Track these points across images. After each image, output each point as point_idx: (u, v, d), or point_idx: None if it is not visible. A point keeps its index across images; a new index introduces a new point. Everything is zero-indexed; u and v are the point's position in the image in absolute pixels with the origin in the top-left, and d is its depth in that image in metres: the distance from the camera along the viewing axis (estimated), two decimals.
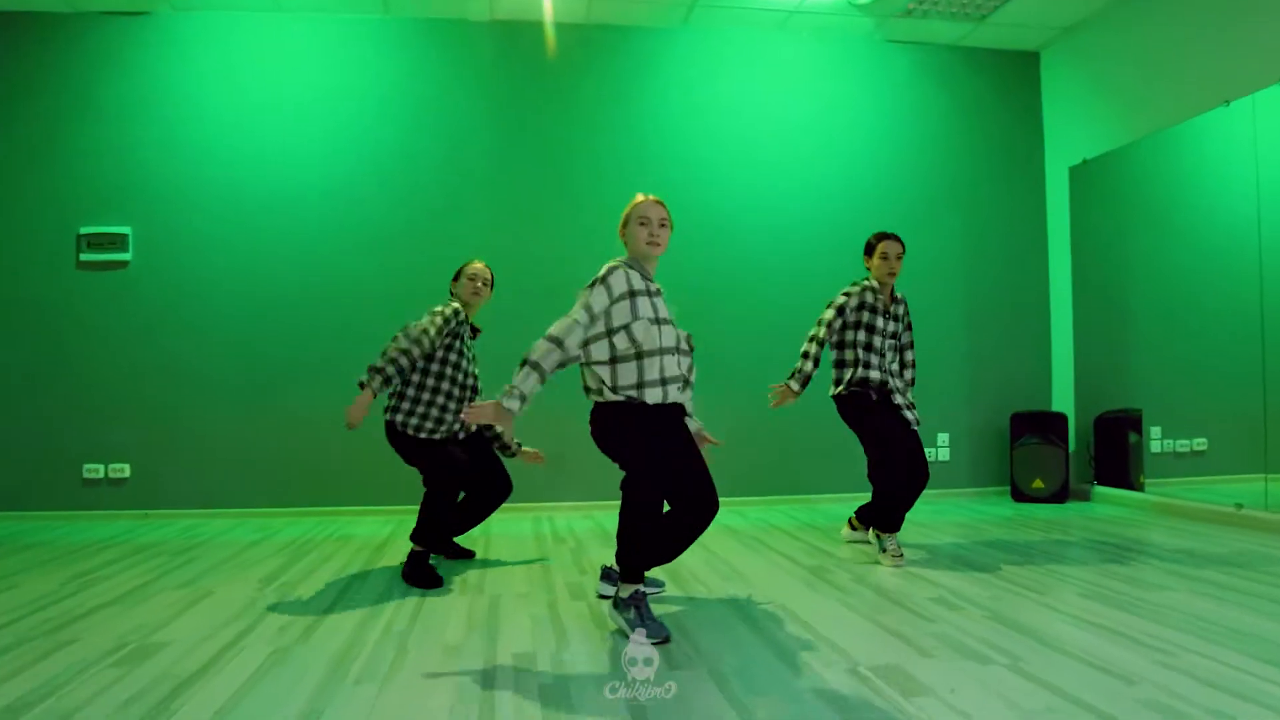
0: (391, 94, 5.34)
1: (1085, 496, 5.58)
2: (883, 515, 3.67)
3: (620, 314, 2.65)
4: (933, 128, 5.82)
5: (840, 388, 3.73)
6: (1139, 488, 5.29)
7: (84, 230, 5.08)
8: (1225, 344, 4.80)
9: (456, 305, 3.48)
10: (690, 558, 3.77)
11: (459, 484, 3.48)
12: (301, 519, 4.98)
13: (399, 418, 3.44)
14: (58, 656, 2.40)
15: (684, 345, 2.82)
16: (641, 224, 2.76)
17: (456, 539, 3.89)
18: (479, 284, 3.61)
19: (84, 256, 5.07)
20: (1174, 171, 5.20)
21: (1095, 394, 5.66)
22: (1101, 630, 2.58)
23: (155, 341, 5.10)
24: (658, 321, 2.69)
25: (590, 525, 4.75)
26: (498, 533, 4.49)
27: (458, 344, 3.50)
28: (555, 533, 4.51)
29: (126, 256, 5.10)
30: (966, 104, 5.88)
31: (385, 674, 2.25)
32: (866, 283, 3.75)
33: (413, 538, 3.41)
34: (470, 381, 3.57)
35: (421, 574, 3.31)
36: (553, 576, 3.45)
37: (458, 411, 3.48)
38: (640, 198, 2.81)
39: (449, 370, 3.47)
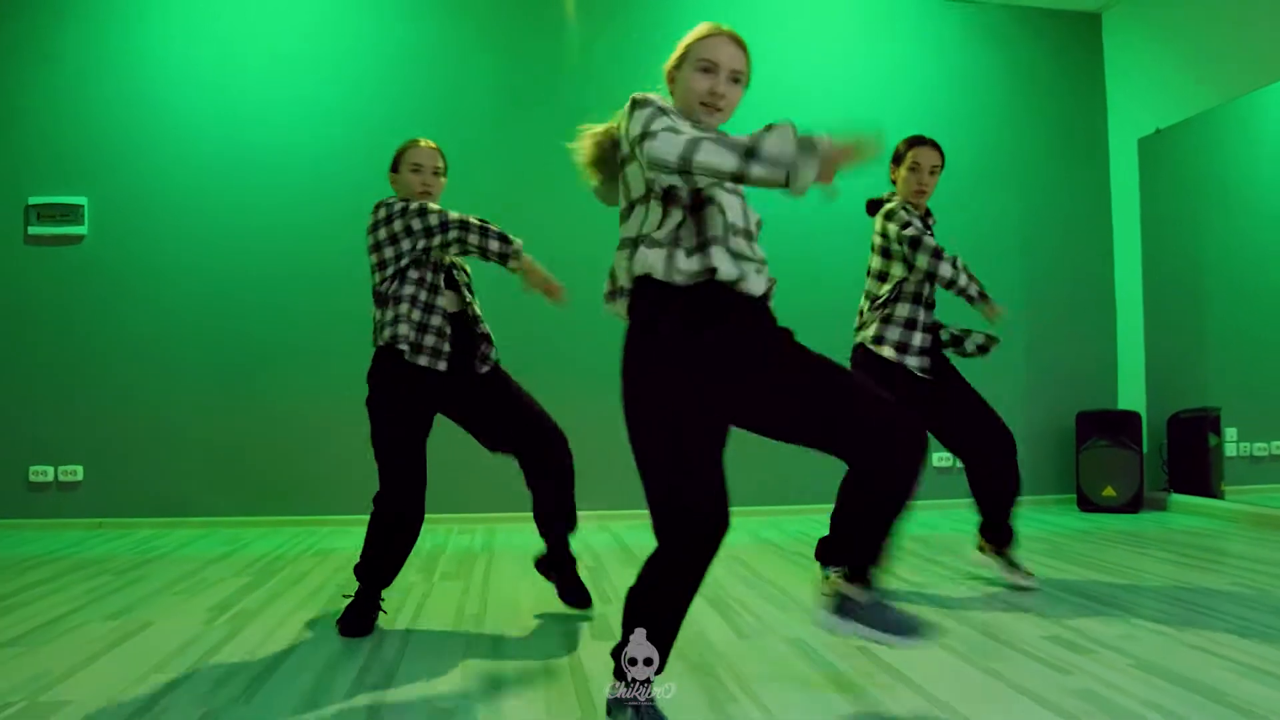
0: (381, 49, 4.75)
1: (1161, 505, 4.97)
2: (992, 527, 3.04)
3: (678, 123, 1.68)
4: (985, 94, 5.24)
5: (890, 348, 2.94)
6: (1219, 495, 4.71)
7: (33, 201, 4.48)
8: None
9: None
10: (729, 577, 3.16)
11: (405, 501, 2.53)
12: (278, 529, 4.38)
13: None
14: None
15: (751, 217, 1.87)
16: (704, 70, 1.77)
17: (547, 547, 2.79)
18: (425, 175, 2.69)
19: (33, 230, 4.47)
20: (1253, 143, 4.65)
21: (1168, 391, 5.07)
22: (1272, 678, 1.98)
23: (114, 325, 4.50)
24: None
25: (607, 539, 4.14)
26: (501, 545, 3.89)
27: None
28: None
29: (81, 230, 4.50)
30: (1021, 68, 5.28)
31: None
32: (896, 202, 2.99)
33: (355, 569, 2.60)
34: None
35: (351, 617, 2.51)
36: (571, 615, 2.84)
37: (448, 335, 2.61)
38: (707, 28, 1.81)
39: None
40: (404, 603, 2.87)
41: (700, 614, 2.66)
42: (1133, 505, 4.84)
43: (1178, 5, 4.82)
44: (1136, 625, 2.51)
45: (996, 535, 3.03)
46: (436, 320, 2.58)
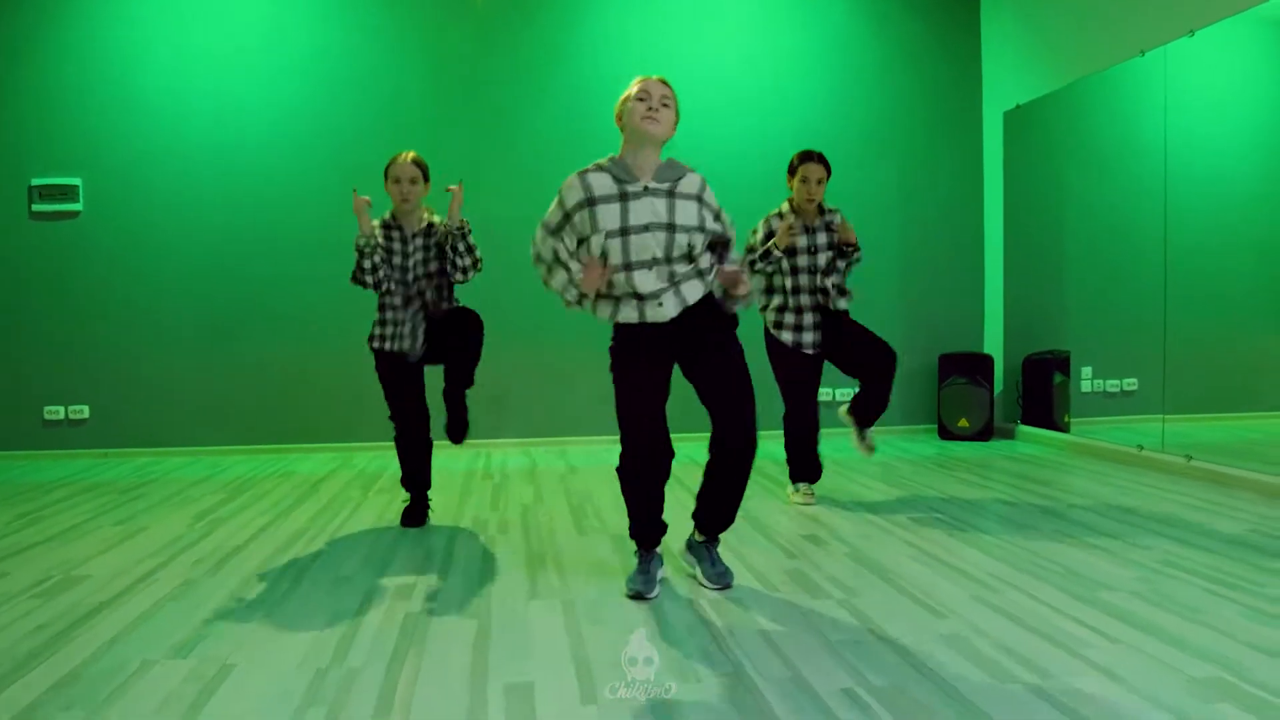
0: (333, 41, 5.41)
1: (1010, 435, 5.82)
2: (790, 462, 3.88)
3: (581, 226, 2.46)
4: (869, 72, 5.88)
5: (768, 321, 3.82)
6: (1064, 428, 5.50)
7: (35, 182, 5.21)
8: (1154, 285, 4.89)
9: (370, 229, 3.25)
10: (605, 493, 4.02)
11: (400, 421, 3.46)
12: (252, 456, 5.24)
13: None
14: None
15: (675, 251, 2.45)
16: (639, 99, 2.45)
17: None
18: (404, 185, 3.28)
19: (36, 207, 5.21)
20: (1100, 116, 5.28)
21: (1025, 336, 5.84)
22: (940, 565, 2.83)
23: (111, 288, 5.28)
24: (621, 232, 2.40)
25: (526, 463, 4.99)
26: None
27: (388, 260, 3.32)
28: (498, 469, 4.76)
29: (78, 207, 5.24)
30: (905, 48, 5.92)
31: (275, 602, 2.50)
32: (777, 211, 3.76)
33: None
34: (415, 277, 3.35)
35: (409, 511, 3.51)
36: (470, 510, 3.70)
37: (404, 322, 3.35)
38: (640, 79, 2.53)
39: (387, 283, 3.34)
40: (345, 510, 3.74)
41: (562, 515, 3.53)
42: (983, 434, 5.69)
43: None
44: (878, 527, 3.37)
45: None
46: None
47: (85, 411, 5.29)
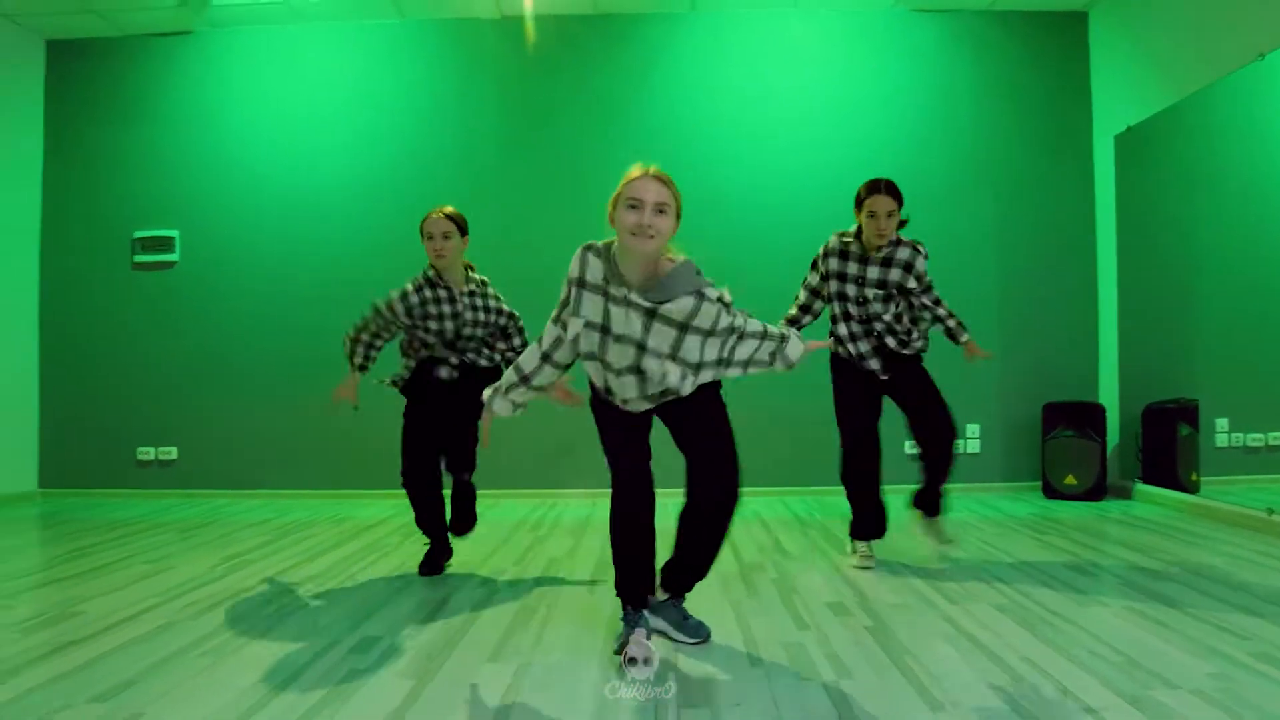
0: (408, 95, 5.55)
1: (1126, 494, 5.15)
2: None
3: (572, 300, 2.30)
4: (964, 100, 5.48)
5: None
6: (1190, 486, 4.83)
7: (138, 234, 5.58)
8: None
9: (406, 290, 3.24)
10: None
11: (410, 478, 3.38)
12: (317, 501, 5.31)
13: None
14: None
15: (655, 372, 2.27)
16: (631, 207, 2.17)
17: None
18: (438, 241, 3.21)
19: (138, 258, 5.57)
20: (1223, 131, 4.69)
21: (1145, 383, 5.20)
22: (972, 647, 2.42)
23: (199, 335, 5.55)
24: (602, 329, 2.26)
25: (584, 515, 4.81)
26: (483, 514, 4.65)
27: (423, 320, 3.27)
28: (550, 520, 4.61)
29: (174, 257, 5.57)
30: (1002, 73, 5.49)
31: (229, 652, 2.42)
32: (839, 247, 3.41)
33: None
34: (454, 330, 3.30)
35: (426, 559, 3.41)
36: (496, 560, 3.55)
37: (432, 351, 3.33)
38: (636, 171, 2.22)
39: (422, 337, 3.33)
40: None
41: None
42: (1094, 493, 5.05)
43: (1151, 2, 4.91)
44: (921, 598, 2.97)
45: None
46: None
47: (174, 453, 5.54)
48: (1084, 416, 5.16)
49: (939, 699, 2.04)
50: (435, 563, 3.39)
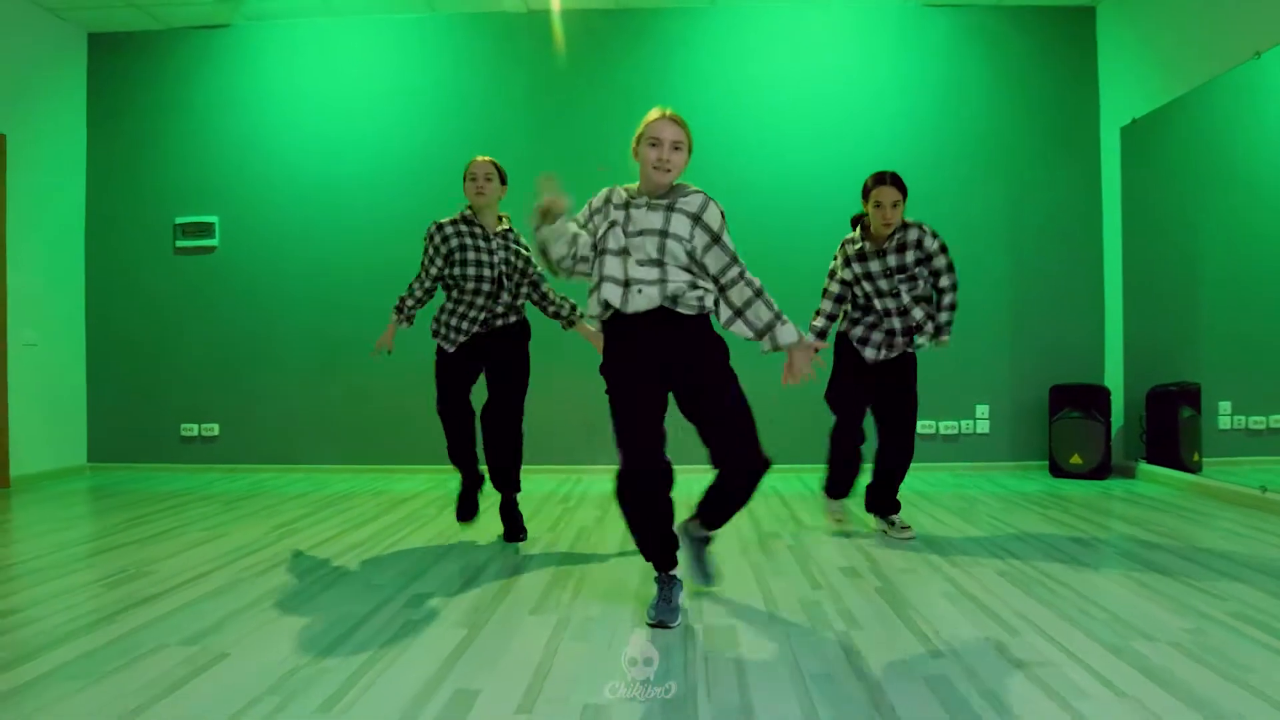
0: (438, 87, 5.76)
1: (1130, 474, 5.35)
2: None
3: (599, 223, 2.64)
4: (975, 93, 5.64)
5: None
6: (1192, 466, 5.01)
7: (179, 220, 5.83)
8: None
9: (439, 222, 3.49)
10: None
11: (444, 413, 3.60)
12: (356, 475, 5.58)
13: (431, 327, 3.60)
14: (60, 580, 2.98)
15: (668, 257, 2.50)
16: (651, 145, 2.54)
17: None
18: (480, 181, 3.49)
19: (180, 243, 5.83)
20: (1226, 124, 4.84)
21: (1149, 367, 5.37)
22: (971, 605, 2.65)
23: (239, 317, 5.81)
24: (625, 233, 2.54)
25: (610, 489, 5.06)
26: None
27: (460, 253, 3.46)
28: (578, 494, 4.85)
29: (214, 243, 5.82)
30: (1012, 67, 5.65)
31: (296, 605, 2.67)
32: (850, 237, 3.65)
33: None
34: (490, 277, 3.47)
35: (459, 502, 3.69)
36: (530, 530, 3.79)
37: (476, 319, 3.50)
38: (655, 114, 2.58)
39: (458, 278, 3.48)
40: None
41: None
42: (1099, 472, 5.25)
43: None
44: (926, 562, 3.19)
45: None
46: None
47: (216, 429, 5.82)
48: (1090, 398, 5.34)
49: (939, 648, 2.26)
50: (470, 500, 3.64)
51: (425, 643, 2.33)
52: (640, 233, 2.54)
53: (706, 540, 2.77)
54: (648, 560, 2.65)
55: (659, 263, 2.52)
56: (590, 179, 5.53)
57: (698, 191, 2.62)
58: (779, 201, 5.63)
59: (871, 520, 3.82)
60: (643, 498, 2.54)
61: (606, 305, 2.55)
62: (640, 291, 2.52)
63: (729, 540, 3.56)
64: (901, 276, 3.53)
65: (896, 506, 3.69)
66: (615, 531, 3.80)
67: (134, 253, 5.87)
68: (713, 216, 2.58)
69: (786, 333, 2.58)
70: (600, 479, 5.42)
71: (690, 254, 2.53)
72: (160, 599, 2.73)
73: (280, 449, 5.77)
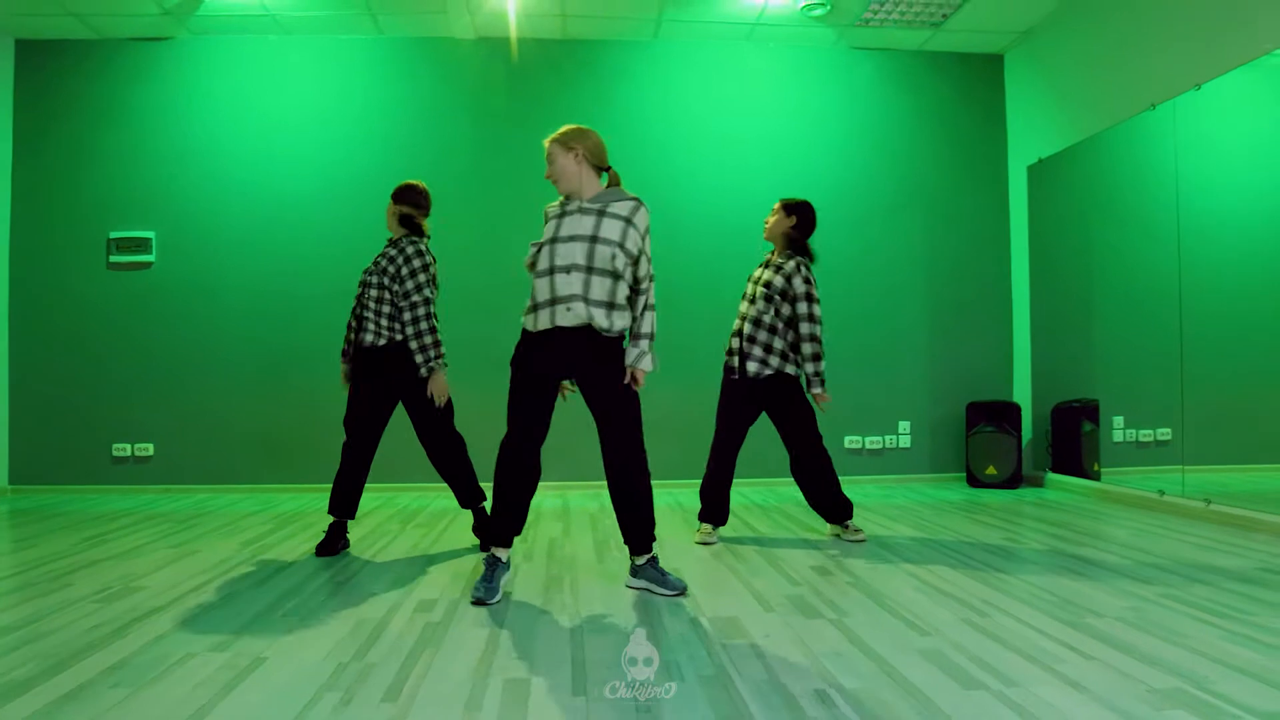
0: (383, 107, 5.83)
1: (1039, 483, 5.84)
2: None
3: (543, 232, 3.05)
4: (897, 130, 6.11)
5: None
6: (1093, 475, 5.52)
7: (113, 235, 5.68)
8: (1174, 334, 4.95)
9: (426, 243, 3.74)
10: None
11: (350, 432, 3.70)
12: (301, 494, 5.53)
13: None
14: (52, 596, 2.93)
15: (597, 261, 2.86)
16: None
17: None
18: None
19: (113, 259, 5.68)
20: (1118, 168, 5.40)
21: (1054, 385, 5.90)
22: (937, 593, 2.94)
23: (176, 334, 5.69)
24: (554, 241, 2.92)
25: (559, 505, 5.19)
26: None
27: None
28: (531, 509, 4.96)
29: (150, 258, 5.69)
30: (931, 107, 6.14)
31: (309, 611, 2.73)
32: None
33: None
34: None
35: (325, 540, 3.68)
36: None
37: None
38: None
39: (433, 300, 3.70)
40: (375, 540, 3.97)
41: (584, 547, 3.71)
42: (1011, 482, 5.73)
43: (1060, 49, 5.61)
44: (887, 559, 3.48)
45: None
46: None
47: (150, 449, 5.66)
48: (1002, 414, 5.83)
49: (923, 628, 2.53)
50: (334, 544, 3.68)
51: (455, 640, 2.44)
52: (571, 238, 2.91)
53: (653, 558, 3.05)
54: (494, 532, 2.99)
55: (588, 270, 2.88)
56: (530, 200, 5.75)
57: (628, 196, 3.02)
58: (712, 228, 5.93)
59: (826, 527, 4.11)
60: (517, 462, 2.99)
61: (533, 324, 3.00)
62: (569, 310, 2.89)
63: (700, 551, 3.78)
64: (765, 291, 3.87)
65: (849, 512, 3.99)
66: (584, 540, 3.95)
67: (64, 268, 5.68)
68: (641, 219, 2.99)
69: (647, 361, 2.96)
70: (548, 496, 5.54)
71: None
72: (166, 610, 2.74)
73: (219, 469, 5.67)
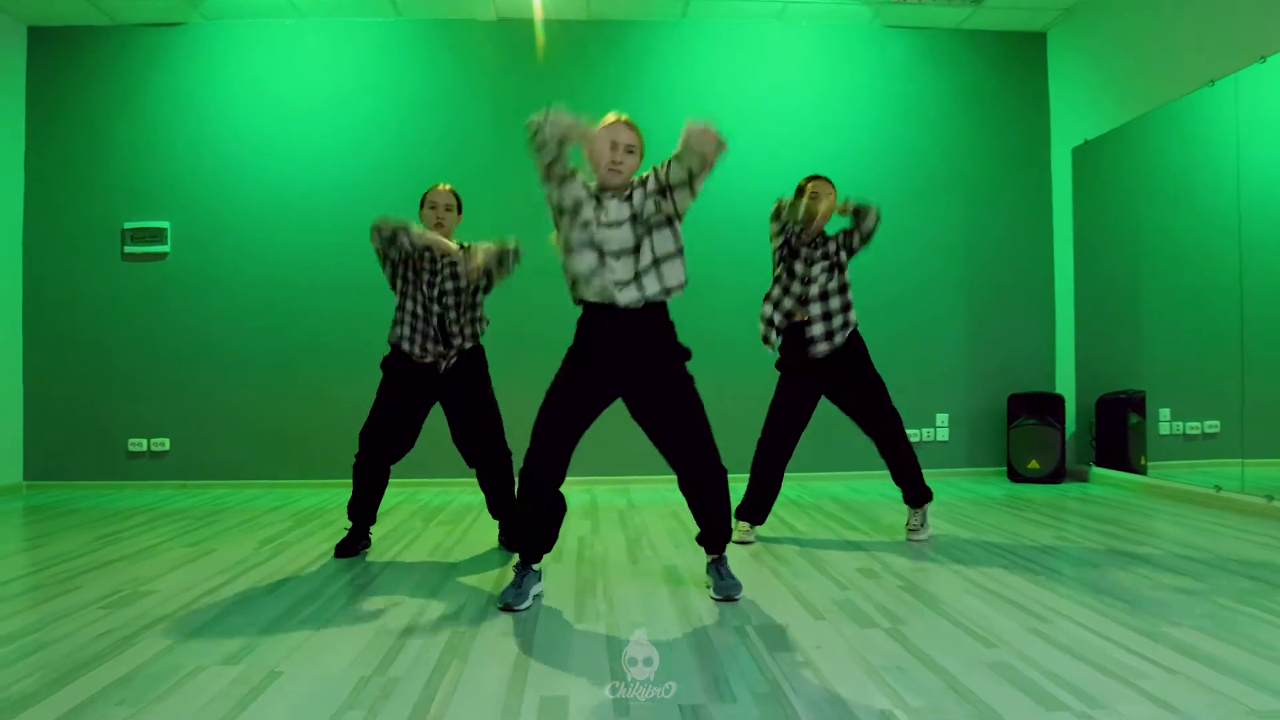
0: (402, 92, 5.67)
1: (1083, 477, 5.62)
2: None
3: (566, 195, 2.77)
4: (934, 112, 5.88)
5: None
6: (1140, 469, 5.29)
7: (128, 225, 5.56)
8: (1232, 323, 4.71)
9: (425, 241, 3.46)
10: (658, 521, 4.01)
11: (365, 445, 3.50)
12: (321, 490, 5.39)
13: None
14: (58, 600, 2.79)
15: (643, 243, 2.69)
16: (610, 146, 2.70)
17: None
18: (440, 211, 3.51)
19: (127, 249, 5.55)
20: (1171, 148, 5.16)
21: (1098, 376, 5.66)
22: (995, 598, 2.74)
23: (191, 327, 5.56)
24: (596, 224, 2.70)
25: (587, 500, 5.03)
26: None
27: (414, 273, 3.48)
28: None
29: (165, 249, 5.56)
30: (969, 87, 5.91)
31: (328, 618, 2.57)
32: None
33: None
34: (435, 310, 3.46)
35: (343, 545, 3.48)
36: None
37: (427, 335, 3.44)
38: (611, 117, 2.73)
39: (410, 289, 3.48)
40: (395, 540, 3.82)
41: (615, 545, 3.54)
42: (1054, 476, 5.50)
43: (1106, 26, 5.36)
44: (933, 561, 3.29)
45: None
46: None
47: (166, 444, 5.55)
48: (1045, 406, 5.60)
49: (988, 639, 2.34)
50: (353, 545, 3.50)
51: (484, 650, 2.28)
52: (614, 224, 2.68)
53: (721, 560, 2.90)
54: (526, 548, 2.77)
55: (635, 251, 2.66)
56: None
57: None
58: (742, 212, 5.72)
59: (864, 524, 3.92)
60: (544, 490, 2.71)
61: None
62: (622, 291, 2.66)
63: (738, 551, 3.60)
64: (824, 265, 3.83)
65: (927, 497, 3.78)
66: (617, 541, 3.78)
67: (78, 260, 5.56)
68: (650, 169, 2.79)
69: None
70: (575, 492, 5.37)
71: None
72: (176, 618, 2.59)
73: (237, 464, 5.54)
